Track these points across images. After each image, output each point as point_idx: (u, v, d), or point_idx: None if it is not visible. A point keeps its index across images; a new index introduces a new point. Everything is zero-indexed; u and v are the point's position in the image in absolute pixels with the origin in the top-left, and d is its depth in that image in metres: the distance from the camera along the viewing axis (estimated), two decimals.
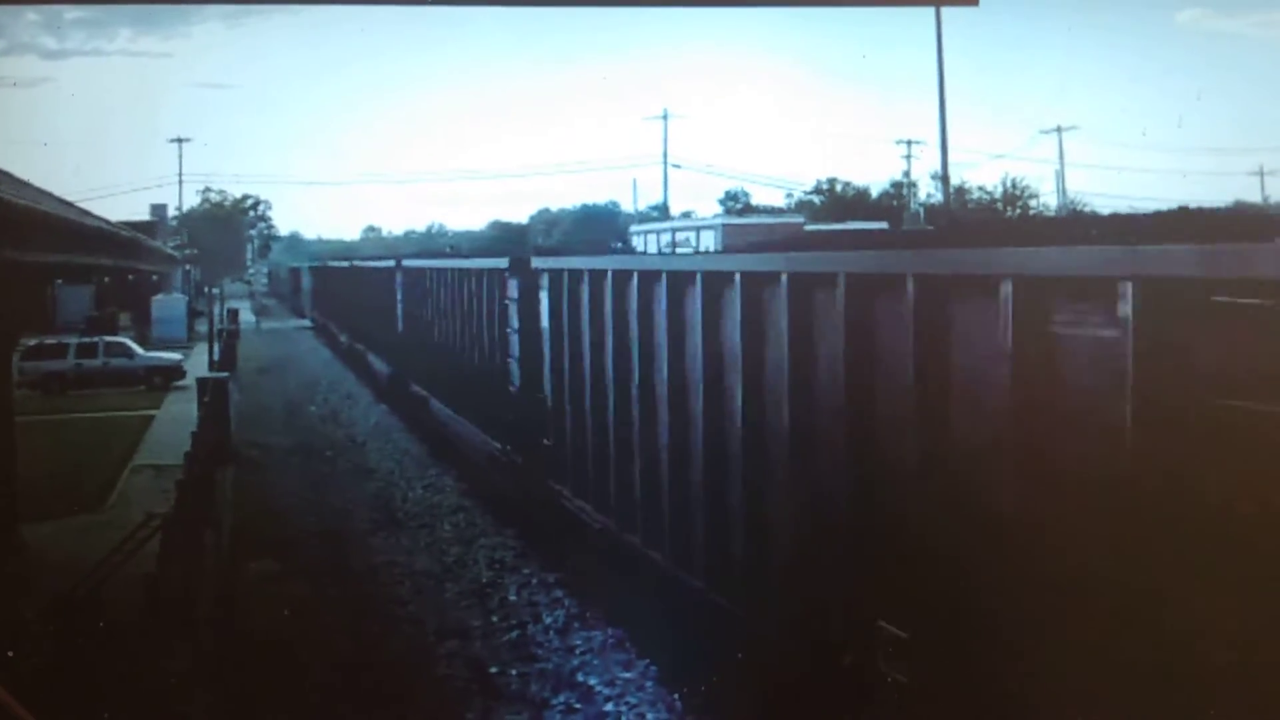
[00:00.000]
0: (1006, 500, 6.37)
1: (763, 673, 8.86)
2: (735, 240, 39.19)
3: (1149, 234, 6.46)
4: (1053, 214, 56.74)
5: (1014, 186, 66.95)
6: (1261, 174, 67.77)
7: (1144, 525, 5.46)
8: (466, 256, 28.96)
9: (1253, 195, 62.87)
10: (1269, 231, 5.08)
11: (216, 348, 34.20)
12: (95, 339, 35.04)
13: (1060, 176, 60.68)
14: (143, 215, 73.62)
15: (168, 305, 50.31)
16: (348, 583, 14.28)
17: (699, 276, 10.09)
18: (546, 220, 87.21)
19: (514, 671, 10.93)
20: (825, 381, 8.20)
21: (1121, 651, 5.53)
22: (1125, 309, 5.50)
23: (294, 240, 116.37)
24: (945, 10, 55.09)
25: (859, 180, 72.37)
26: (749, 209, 66.94)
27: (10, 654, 9.83)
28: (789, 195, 76.05)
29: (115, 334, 38.49)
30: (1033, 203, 64.56)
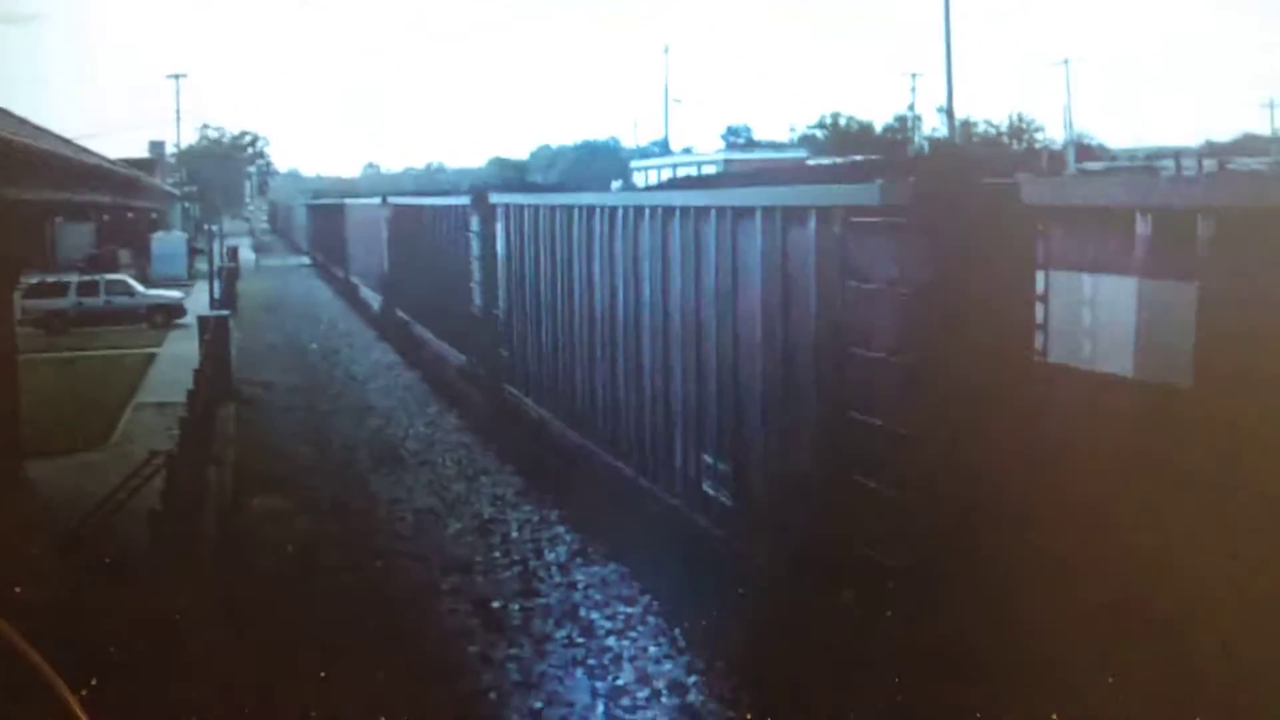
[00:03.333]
0: None
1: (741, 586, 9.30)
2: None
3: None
4: (1057, 148, 56.25)
5: (1020, 120, 66.42)
6: (1271, 106, 67.10)
7: None
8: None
9: (1262, 127, 62.37)
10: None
11: (217, 285, 34.12)
12: (96, 277, 34.96)
13: (1067, 109, 60.10)
14: (141, 152, 73.25)
15: (168, 243, 50.22)
16: (351, 519, 14.37)
17: (600, 210, 12.86)
18: (546, 157, 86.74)
19: (516, 606, 11.03)
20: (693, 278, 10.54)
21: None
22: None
23: (293, 177, 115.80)
24: None
25: (863, 115, 71.94)
26: (751, 144, 66.47)
27: (16, 590, 9.90)
28: (792, 130, 75.61)
29: (116, 272, 38.41)
30: (1039, 136, 64.09)
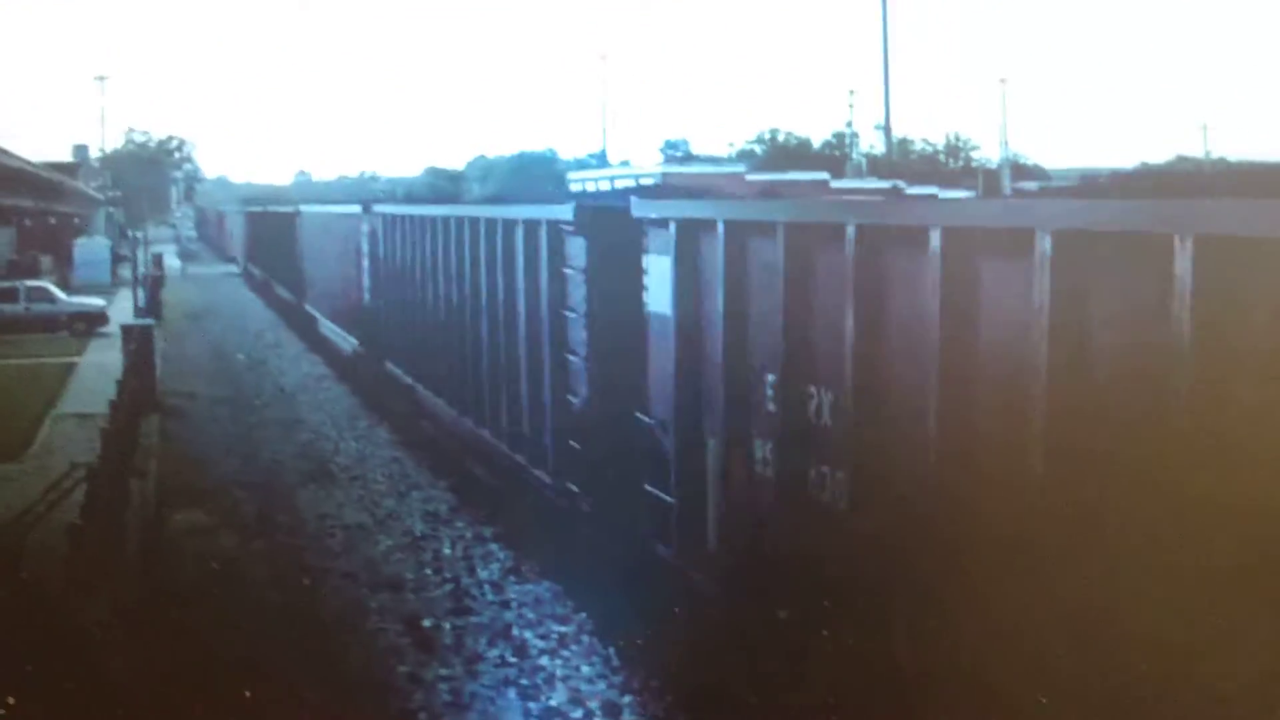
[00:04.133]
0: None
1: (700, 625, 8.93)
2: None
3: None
4: (993, 167, 57.25)
5: (957, 139, 67.48)
6: (1204, 128, 68.90)
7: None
8: (417, 203, 25.26)
9: (1195, 149, 63.98)
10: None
11: (141, 293, 33.43)
12: (15, 283, 34.13)
13: (1003, 129, 61.20)
14: (65, 155, 71.85)
15: (91, 249, 49.20)
16: (277, 535, 14.07)
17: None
18: (482, 167, 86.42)
19: (448, 625, 10.84)
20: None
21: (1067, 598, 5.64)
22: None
23: (222, 184, 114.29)
24: None
25: (801, 131, 72.62)
26: (689, 158, 66.77)
27: None
28: (730, 145, 76.10)
29: (37, 278, 37.52)
30: (975, 155, 65.14)
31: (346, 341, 25.05)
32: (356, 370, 24.11)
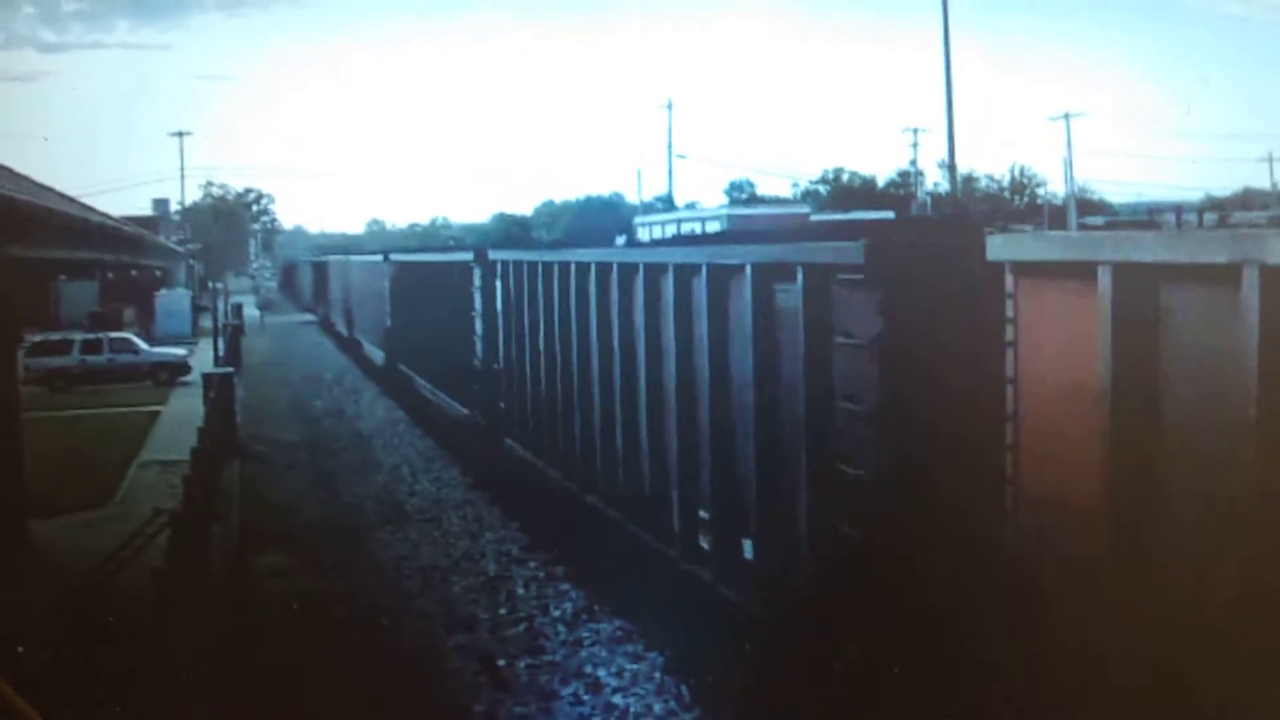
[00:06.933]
0: None
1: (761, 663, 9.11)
2: (741, 230, 39.09)
3: None
4: (1060, 202, 56.68)
5: (1021, 175, 66.92)
6: (1270, 160, 67.47)
7: None
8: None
9: (1262, 181, 62.70)
10: None
11: (221, 343, 34.18)
12: (100, 335, 35.03)
13: (1068, 164, 60.50)
14: (145, 210, 73.82)
15: (172, 300, 50.35)
16: (356, 576, 14.27)
17: (615, 267, 12.53)
18: (550, 212, 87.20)
19: (522, 664, 10.93)
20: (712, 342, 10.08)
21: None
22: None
23: (297, 234, 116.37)
24: None
25: (865, 170, 72.44)
26: (754, 199, 66.86)
27: (20, 649, 9.81)
28: (795, 185, 76.14)
29: (120, 329, 38.51)
30: (1040, 191, 64.51)
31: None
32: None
